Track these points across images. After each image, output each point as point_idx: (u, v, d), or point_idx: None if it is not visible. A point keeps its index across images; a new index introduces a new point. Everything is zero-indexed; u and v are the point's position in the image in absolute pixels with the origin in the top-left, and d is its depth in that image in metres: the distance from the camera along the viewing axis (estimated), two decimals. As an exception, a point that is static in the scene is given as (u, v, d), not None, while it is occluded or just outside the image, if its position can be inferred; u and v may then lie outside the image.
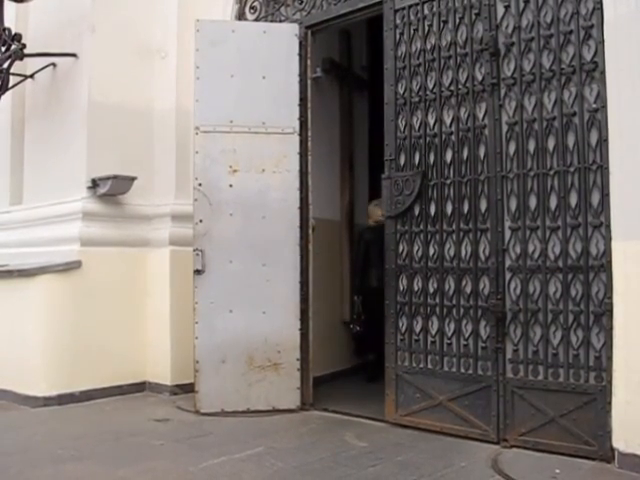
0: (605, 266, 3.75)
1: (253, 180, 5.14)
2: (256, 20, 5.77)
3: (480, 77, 4.32)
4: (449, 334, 4.39)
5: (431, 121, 4.56)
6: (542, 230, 4.03)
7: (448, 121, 4.48)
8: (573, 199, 3.92)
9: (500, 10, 4.24)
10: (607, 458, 3.66)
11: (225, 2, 5.92)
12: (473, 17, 4.35)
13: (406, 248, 4.63)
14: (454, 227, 4.41)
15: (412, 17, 4.66)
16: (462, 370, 4.32)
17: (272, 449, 4.09)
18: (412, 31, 4.66)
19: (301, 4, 5.47)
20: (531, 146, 4.10)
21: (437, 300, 4.46)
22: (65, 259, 5.46)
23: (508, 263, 4.16)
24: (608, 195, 3.74)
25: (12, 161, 6.52)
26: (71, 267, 5.45)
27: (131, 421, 4.86)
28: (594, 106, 3.84)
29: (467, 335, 4.31)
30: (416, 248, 4.59)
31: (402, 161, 4.68)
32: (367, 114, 7.15)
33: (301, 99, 5.28)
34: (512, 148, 4.18)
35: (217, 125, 5.13)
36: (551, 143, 4.02)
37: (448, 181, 4.45)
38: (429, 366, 4.47)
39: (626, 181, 3.65)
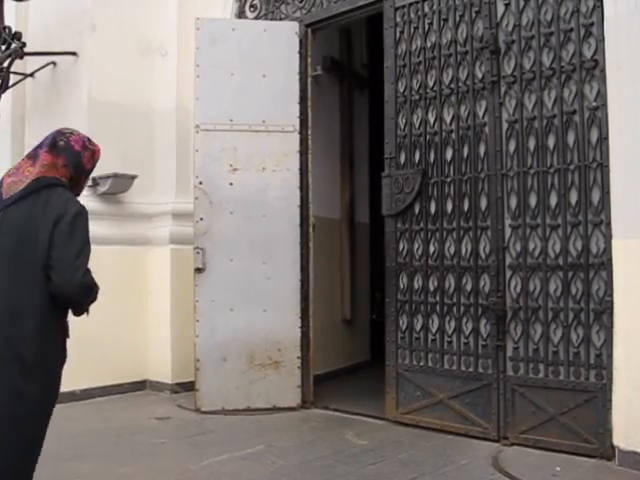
0: (605, 264, 3.75)
1: (253, 178, 5.14)
2: (256, 18, 5.76)
3: (480, 75, 4.31)
4: (449, 332, 4.40)
5: (431, 119, 4.56)
6: (542, 228, 4.03)
7: (448, 119, 4.47)
8: (573, 197, 3.92)
9: (500, 8, 4.24)
10: (607, 456, 3.66)
11: (225, 0, 5.92)
12: (473, 15, 4.35)
13: (406, 246, 4.63)
14: (454, 225, 4.41)
15: (412, 15, 4.66)
16: (462, 368, 4.32)
17: (273, 447, 4.10)
18: (412, 29, 4.65)
19: (301, 2, 5.46)
20: (531, 144, 4.10)
21: (437, 298, 4.46)
22: (65, 257, 5.46)
23: (508, 261, 4.16)
24: (608, 193, 3.74)
25: (12, 160, 6.50)
26: (71, 265, 5.44)
27: (132, 419, 4.86)
28: (594, 104, 3.84)
29: (467, 333, 4.32)
30: (416, 246, 4.59)
31: (402, 159, 4.68)
32: (367, 112, 7.15)
33: (301, 97, 5.28)
34: (512, 146, 4.18)
35: (217, 123, 5.13)
36: (551, 141, 4.02)
37: (448, 179, 4.45)
38: (429, 364, 4.48)
39: (626, 179, 3.65)
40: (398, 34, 4.73)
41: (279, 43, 5.24)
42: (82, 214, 2.48)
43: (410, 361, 4.57)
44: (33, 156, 2.52)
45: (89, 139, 2.66)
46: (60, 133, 2.62)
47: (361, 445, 4.14)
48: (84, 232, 2.51)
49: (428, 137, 4.56)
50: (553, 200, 4.00)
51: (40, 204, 2.36)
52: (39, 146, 2.54)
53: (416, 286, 4.58)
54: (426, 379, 4.47)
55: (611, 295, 3.70)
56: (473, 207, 4.32)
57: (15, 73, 6.04)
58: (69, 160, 2.52)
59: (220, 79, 5.15)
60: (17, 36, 5.86)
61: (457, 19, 4.43)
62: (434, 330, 4.47)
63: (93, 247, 5.73)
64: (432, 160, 4.53)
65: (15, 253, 2.34)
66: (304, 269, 5.21)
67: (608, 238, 3.74)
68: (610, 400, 3.67)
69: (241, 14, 5.91)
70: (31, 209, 2.35)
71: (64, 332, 2.53)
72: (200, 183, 5.10)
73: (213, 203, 5.09)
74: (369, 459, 3.85)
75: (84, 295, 2.53)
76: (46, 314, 2.36)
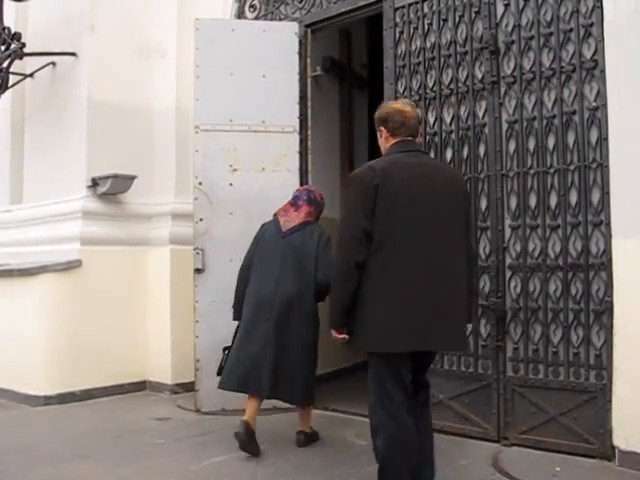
0: (605, 264, 3.75)
1: (253, 179, 5.14)
2: (256, 19, 5.76)
3: (480, 75, 4.32)
4: (449, 332, 4.39)
5: (431, 119, 4.56)
6: (542, 228, 4.03)
7: (448, 119, 4.48)
8: (573, 197, 3.92)
9: (500, 8, 4.24)
10: (607, 456, 3.67)
11: (225, 1, 5.92)
12: (473, 15, 4.35)
13: (406, 246, 4.62)
14: (454, 225, 4.40)
15: (412, 15, 4.66)
16: (462, 368, 4.32)
17: (273, 447, 4.10)
18: (412, 29, 4.65)
19: (301, 3, 5.47)
20: (531, 144, 4.10)
21: (437, 298, 4.45)
22: (65, 258, 5.47)
23: (508, 261, 4.16)
24: (608, 193, 3.74)
25: (12, 160, 6.52)
26: (71, 266, 5.45)
27: (132, 420, 4.86)
28: (594, 104, 3.84)
29: (467, 333, 4.31)
30: (416, 246, 4.58)
31: (402, 160, 4.67)
32: (367, 112, 7.15)
33: (301, 97, 5.28)
34: (512, 146, 4.18)
35: (217, 124, 5.13)
36: (551, 141, 4.02)
37: (448, 179, 4.45)
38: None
39: (626, 179, 3.65)
40: (398, 34, 4.73)
41: (279, 43, 5.23)
42: (330, 238, 4.03)
43: (410, 361, 4.56)
44: (294, 204, 4.31)
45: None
46: (309, 191, 4.39)
47: (361, 445, 4.14)
48: (332, 249, 3.90)
49: (428, 137, 4.56)
50: (553, 200, 4.00)
51: (308, 233, 4.14)
52: (297, 198, 4.33)
53: (416, 286, 4.56)
54: (426, 379, 4.46)
55: (611, 295, 3.70)
56: (473, 207, 4.32)
57: (14, 73, 6.04)
58: (316, 207, 4.32)
59: (220, 79, 5.15)
60: (16, 37, 5.86)
61: (457, 19, 4.43)
62: (434, 330, 4.46)
63: (92, 247, 5.79)
64: (432, 160, 4.53)
65: (294, 262, 4.10)
66: (304, 269, 5.20)
67: (608, 238, 3.74)
68: (610, 400, 3.67)
69: (241, 14, 5.90)
70: (303, 237, 4.13)
71: None
72: (200, 184, 5.10)
73: (213, 204, 5.09)
74: (369, 459, 3.79)
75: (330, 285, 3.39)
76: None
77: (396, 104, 3.18)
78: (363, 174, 2.96)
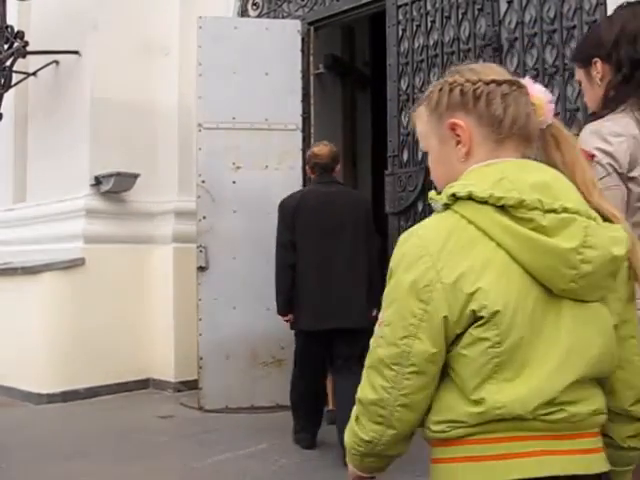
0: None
1: (256, 176, 5.13)
2: (258, 16, 5.76)
3: (483, 73, 4.30)
4: (452, 330, 4.39)
5: (434, 117, 4.55)
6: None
7: (451, 117, 4.46)
8: (577, 195, 3.91)
9: (503, 5, 4.24)
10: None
11: (227, -1, 5.93)
12: (476, 12, 4.35)
13: (409, 244, 4.62)
14: (457, 223, 4.40)
15: (415, 13, 4.66)
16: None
17: (276, 445, 4.10)
18: (415, 27, 4.65)
19: (303, 0, 5.46)
20: (534, 142, 4.08)
21: (440, 296, 4.44)
22: (68, 256, 5.47)
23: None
24: (612, 190, 3.73)
25: (15, 159, 6.53)
26: (74, 264, 5.46)
27: (135, 418, 4.87)
28: (597, 101, 3.83)
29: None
30: (419, 244, 4.58)
31: (405, 157, 4.67)
32: (370, 110, 7.14)
33: (304, 95, 5.27)
34: (515, 144, 4.16)
35: (220, 122, 5.12)
36: (554, 139, 4.00)
37: (451, 177, 4.44)
38: (433, 362, 4.46)
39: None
40: (400, 32, 4.73)
41: (281, 41, 5.23)
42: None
43: (413, 359, 4.56)
44: None
45: None
46: None
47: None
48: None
49: (431, 135, 4.55)
50: (556, 198, 3.99)
51: None
52: None
53: (419, 284, 4.56)
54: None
55: None
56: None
57: (18, 72, 6.04)
58: None
59: (222, 77, 5.14)
60: (19, 35, 5.87)
61: (460, 17, 4.43)
62: (437, 328, 4.45)
63: (95, 246, 5.76)
64: (435, 158, 4.52)
65: None
66: (307, 267, 5.21)
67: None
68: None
69: (243, 12, 5.90)
70: None
71: None
72: (203, 181, 5.10)
73: (216, 201, 5.09)
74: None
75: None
76: None
77: (315, 148, 4.18)
78: (288, 201, 4.04)
